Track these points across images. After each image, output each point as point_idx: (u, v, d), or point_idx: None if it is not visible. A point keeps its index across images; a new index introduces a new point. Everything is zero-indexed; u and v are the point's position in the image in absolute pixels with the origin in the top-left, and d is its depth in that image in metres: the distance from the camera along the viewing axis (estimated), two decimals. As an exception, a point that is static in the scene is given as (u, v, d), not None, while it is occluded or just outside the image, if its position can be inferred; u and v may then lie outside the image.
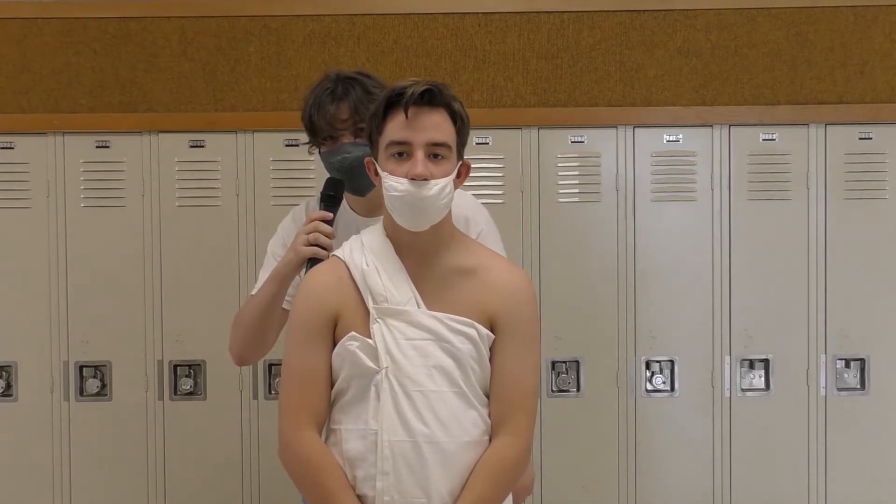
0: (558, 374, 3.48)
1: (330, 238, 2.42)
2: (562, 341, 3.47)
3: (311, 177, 3.40)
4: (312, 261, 2.40)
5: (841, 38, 3.51)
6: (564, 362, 3.48)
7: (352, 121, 2.45)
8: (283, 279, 2.48)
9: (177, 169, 3.51)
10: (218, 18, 3.52)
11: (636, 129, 3.51)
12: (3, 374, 3.51)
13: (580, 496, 3.50)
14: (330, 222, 2.46)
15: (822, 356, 3.48)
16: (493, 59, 3.53)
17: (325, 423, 2.17)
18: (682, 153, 3.51)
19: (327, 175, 2.54)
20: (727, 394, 3.49)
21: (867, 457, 3.48)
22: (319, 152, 2.54)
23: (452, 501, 2.10)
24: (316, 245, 2.41)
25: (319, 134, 2.49)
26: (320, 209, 2.50)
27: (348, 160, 2.44)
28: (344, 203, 2.57)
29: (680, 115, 3.50)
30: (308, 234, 2.43)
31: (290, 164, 3.48)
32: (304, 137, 2.58)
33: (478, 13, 3.53)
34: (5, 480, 3.52)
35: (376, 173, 2.16)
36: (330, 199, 2.51)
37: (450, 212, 2.16)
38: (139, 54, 3.53)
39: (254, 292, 2.60)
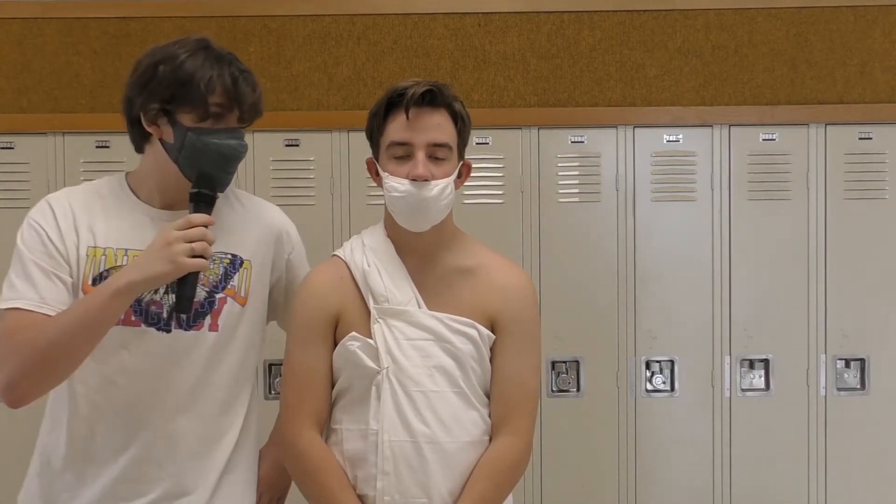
0: (558, 374, 3.48)
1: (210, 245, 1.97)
2: (562, 341, 3.46)
3: (311, 177, 3.40)
4: (184, 278, 1.94)
5: (841, 38, 3.51)
6: (564, 362, 3.48)
7: (236, 104, 2.05)
8: (133, 294, 1.94)
9: (177, 169, 3.51)
10: (218, 18, 3.52)
11: (636, 129, 3.51)
12: (3, 374, 3.50)
13: (580, 496, 3.50)
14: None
15: (822, 356, 3.48)
16: (493, 59, 3.53)
17: (325, 422, 2.17)
18: (682, 153, 3.51)
19: (222, 157, 2.06)
20: (727, 394, 3.49)
21: (867, 457, 3.48)
22: (187, 129, 2.01)
23: (453, 501, 2.10)
24: (201, 257, 1.93)
25: (203, 104, 2.00)
26: (193, 211, 1.99)
27: (238, 149, 2.06)
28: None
29: (680, 115, 3.50)
30: (193, 241, 1.92)
31: (290, 163, 3.47)
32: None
33: (478, 13, 3.53)
34: (6, 480, 3.51)
35: (377, 174, 2.16)
36: (206, 200, 2.02)
37: (451, 212, 2.16)
38: (139, 54, 3.51)
39: (23, 305, 1.96)
